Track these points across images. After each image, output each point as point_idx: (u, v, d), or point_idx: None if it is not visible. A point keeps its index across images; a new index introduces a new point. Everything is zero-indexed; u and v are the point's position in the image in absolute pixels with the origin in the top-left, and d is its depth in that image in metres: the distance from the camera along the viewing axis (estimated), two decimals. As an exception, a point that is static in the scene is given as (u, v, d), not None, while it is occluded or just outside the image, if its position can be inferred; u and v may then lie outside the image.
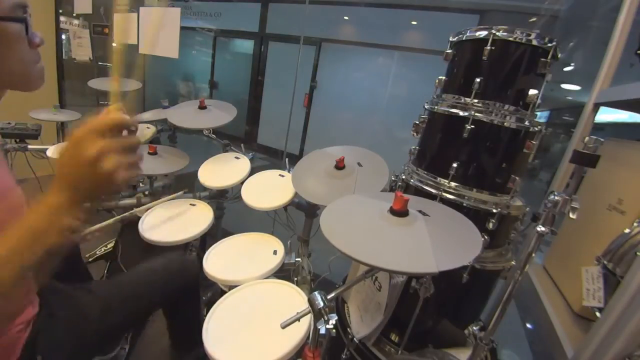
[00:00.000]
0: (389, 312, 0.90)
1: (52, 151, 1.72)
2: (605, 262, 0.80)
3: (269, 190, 1.30)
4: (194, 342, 1.07)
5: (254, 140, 5.02)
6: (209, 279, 1.00)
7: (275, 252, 1.09)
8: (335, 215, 0.74)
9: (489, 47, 0.80)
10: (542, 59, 0.80)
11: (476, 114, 0.82)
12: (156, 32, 1.68)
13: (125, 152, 0.46)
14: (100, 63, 2.77)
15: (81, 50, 2.83)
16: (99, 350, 0.83)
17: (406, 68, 3.90)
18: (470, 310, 0.98)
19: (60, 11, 2.79)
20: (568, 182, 0.64)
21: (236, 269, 1.02)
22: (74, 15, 2.73)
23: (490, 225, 0.84)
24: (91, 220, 0.60)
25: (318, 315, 0.60)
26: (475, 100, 0.85)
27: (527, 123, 0.83)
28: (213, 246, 1.12)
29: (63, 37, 2.86)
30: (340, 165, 1.11)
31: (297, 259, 1.15)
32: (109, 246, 1.69)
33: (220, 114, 1.53)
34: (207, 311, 0.84)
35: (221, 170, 1.43)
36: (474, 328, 0.83)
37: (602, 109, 1.12)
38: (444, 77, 0.96)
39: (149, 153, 1.44)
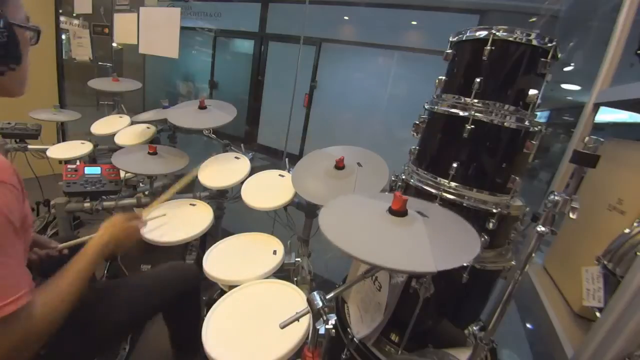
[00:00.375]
0: (389, 312, 0.90)
1: (52, 151, 1.72)
2: (605, 262, 0.80)
3: (269, 190, 1.30)
4: (193, 348, 1.08)
5: (254, 140, 5.02)
6: (209, 279, 1.00)
7: (275, 252, 1.09)
8: (334, 214, 0.74)
9: (489, 47, 0.80)
10: (542, 59, 0.80)
11: (476, 114, 0.82)
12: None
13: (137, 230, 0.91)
14: (100, 63, 2.77)
15: (81, 50, 2.84)
16: (100, 350, 0.83)
17: (406, 68, 3.90)
18: (470, 310, 0.98)
19: (60, 11, 2.79)
20: (568, 182, 0.64)
21: (236, 269, 1.02)
22: (74, 15, 2.73)
23: (490, 225, 0.84)
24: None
25: (317, 315, 0.59)
26: (475, 100, 0.85)
27: (527, 123, 0.83)
28: (213, 246, 1.12)
29: (63, 37, 2.86)
30: (340, 165, 1.11)
31: (297, 259, 1.15)
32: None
33: (220, 114, 1.53)
34: (207, 311, 0.84)
35: (221, 170, 1.43)
36: (474, 328, 0.83)
37: (602, 109, 1.12)
38: (444, 77, 0.96)
39: (149, 153, 1.44)
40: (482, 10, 3.28)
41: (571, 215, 0.60)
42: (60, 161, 1.67)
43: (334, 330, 0.58)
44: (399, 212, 0.68)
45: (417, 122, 1.00)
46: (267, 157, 4.42)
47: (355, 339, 0.97)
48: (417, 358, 0.88)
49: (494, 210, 0.83)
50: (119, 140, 1.74)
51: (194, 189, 1.56)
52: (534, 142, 0.84)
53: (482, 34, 0.83)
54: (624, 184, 0.92)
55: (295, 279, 1.15)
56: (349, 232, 0.67)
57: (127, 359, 1.02)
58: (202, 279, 1.06)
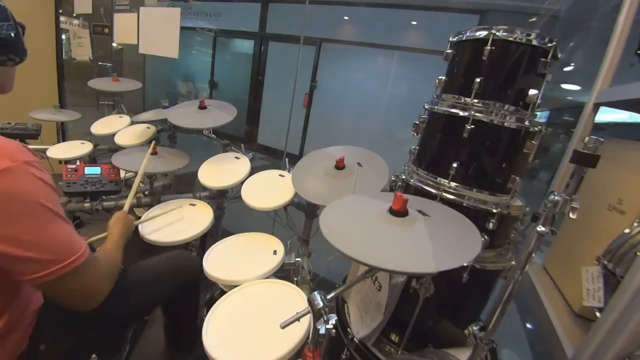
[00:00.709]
0: (389, 312, 0.90)
1: (52, 151, 1.72)
2: (605, 262, 0.80)
3: (269, 190, 1.30)
4: (193, 342, 1.08)
5: (254, 140, 5.03)
6: (209, 279, 1.00)
7: (275, 252, 1.09)
8: (335, 215, 0.74)
9: (489, 47, 0.80)
10: (542, 59, 0.80)
11: (476, 114, 0.82)
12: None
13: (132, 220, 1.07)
14: (100, 63, 2.77)
15: (81, 50, 2.84)
16: (100, 344, 0.83)
17: (406, 68, 3.90)
18: (470, 310, 0.98)
19: (60, 11, 2.78)
20: (568, 182, 0.64)
21: (236, 269, 1.02)
22: (74, 15, 2.73)
23: (490, 225, 0.84)
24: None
25: (318, 315, 0.59)
26: (475, 100, 0.85)
27: (527, 123, 0.83)
28: (213, 246, 1.12)
29: (63, 37, 2.86)
30: (340, 165, 1.11)
31: (297, 259, 1.15)
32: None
33: (220, 114, 1.53)
34: (207, 311, 0.84)
35: (221, 170, 1.43)
36: (474, 328, 0.83)
37: (602, 109, 1.12)
38: (444, 77, 0.96)
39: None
40: (482, 10, 3.28)
41: (571, 215, 0.60)
42: (60, 161, 1.67)
43: (334, 330, 0.58)
44: (399, 212, 0.68)
45: (417, 122, 1.00)
46: (267, 157, 4.42)
47: (355, 339, 0.97)
48: (417, 358, 0.88)
49: (494, 210, 0.83)
50: (119, 140, 1.74)
51: (194, 189, 1.56)
52: (534, 142, 0.84)
53: (482, 34, 0.83)
54: (624, 184, 0.92)
55: (296, 279, 1.15)
56: (350, 235, 0.67)
57: (127, 358, 1.02)
58: (202, 274, 1.06)
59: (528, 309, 1.18)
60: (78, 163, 1.54)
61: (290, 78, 3.12)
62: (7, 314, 0.64)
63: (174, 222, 1.24)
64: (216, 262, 1.05)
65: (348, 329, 1.02)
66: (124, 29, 2.33)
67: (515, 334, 1.30)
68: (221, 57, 5.39)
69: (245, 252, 1.11)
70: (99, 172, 1.43)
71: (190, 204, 1.35)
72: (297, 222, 1.33)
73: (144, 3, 2.27)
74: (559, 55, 0.81)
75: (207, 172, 1.42)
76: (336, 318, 0.60)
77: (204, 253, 1.08)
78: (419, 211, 0.71)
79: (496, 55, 0.82)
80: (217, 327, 0.79)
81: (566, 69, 2.73)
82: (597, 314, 0.81)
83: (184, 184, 1.79)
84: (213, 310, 0.84)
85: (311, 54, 4.34)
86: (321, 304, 0.60)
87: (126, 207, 1.10)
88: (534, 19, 2.81)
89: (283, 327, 0.62)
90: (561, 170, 1.21)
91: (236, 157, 1.51)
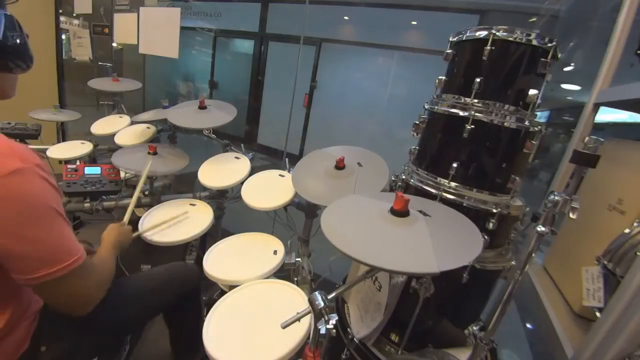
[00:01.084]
0: (389, 312, 0.90)
1: (52, 151, 1.72)
2: (605, 262, 0.80)
3: (269, 190, 1.30)
4: (194, 349, 1.08)
5: (254, 140, 5.03)
6: (209, 279, 1.00)
7: (275, 252, 1.09)
8: (335, 215, 0.74)
9: (489, 47, 0.80)
10: (542, 59, 0.80)
11: (476, 114, 0.82)
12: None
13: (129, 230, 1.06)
14: (100, 63, 2.77)
15: (81, 50, 2.83)
16: (99, 350, 0.83)
17: (406, 68, 3.90)
18: (470, 310, 0.98)
19: (60, 11, 2.78)
20: (568, 182, 0.64)
21: (236, 269, 1.02)
22: (74, 15, 2.73)
23: (490, 225, 0.84)
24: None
25: (318, 315, 0.59)
26: (475, 100, 0.85)
27: (527, 123, 0.83)
28: (213, 246, 1.12)
29: (63, 37, 2.86)
30: (340, 165, 1.11)
31: (297, 259, 1.15)
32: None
33: (220, 114, 1.53)
34: (207, 311, 0.84)
35: (221, 170, 1.43)
36: (474, 328, 0.83)
37: (602, 109, 1.12)
38: (444, 77, 0.96)
39: (149, 153, 1.44)
40: (482, 10, 3.29)
41: (571, 215, 0.60)
42: (60, 161, 1.67)
43: (334, 330, 0.58)
44: (401, 212, 0.67)
45: (417, 122, 1.00)
46: (267, 157, 4.42)
47: (355, 339, 0.97)
48: (417, 358, 0.88)
49: (494, 210, 0.83)
50: (119, 140, 1.73)
51: (194, 189, 1.56)
52: (534, 142, 0.84)
53: (482, 34, 0.83)
54: (624, 184, 0.92)
55: (296, 279, 1.15)
56: (351, 235, 0.67)
57: (127, 359, 1.02)
58: (202, 279, 1.06)
59: (528, 309, 1.18)
60: (78, 163, 1.54)
61: (290, 78, 3.12)
62: (9, 314, 0.64)
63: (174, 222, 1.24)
64: (216, 262, 1.05)
65: (348, 329, 1.02)
66: (124, 29, 2.33)
67: (515, 334, 1.30)
68: (221, 57, 5.39)
69: (246, 252, 1.11)
70: (99, 172, 1.43)
71: (190, 204, 1.35)
72: (297, 222, 1.33)
73: (144, 3, 2.27)
74: (559, 55, 0.81)
75: (207, 172, 1.42)
76: (337, 318, 0.60)
77: (204, 253, 1.08)
78: (420, 211, 0.71)
79: (496, 55, 0.82)
80: (217, 328, 0.79)
81: (566, 69, 2.73)
82: (597, 314, 0.81)
83: (184, 184, 1.79)
84: (213, 311, 0.84)
85: (311, 54, 4.34)
86: (322, 304, 0.60)
87: (125, 219, 1.10)
88: (534, 19, 2.81)
89: (284, 327, 0.62)
90: (561, 170, 1.21)
91: (236, 157, 1.51)
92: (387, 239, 0.64)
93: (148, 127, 1.82)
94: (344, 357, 0.97)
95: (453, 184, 0.88)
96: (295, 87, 2.88)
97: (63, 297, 0.65)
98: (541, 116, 0.92)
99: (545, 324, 0.95)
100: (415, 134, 1.02)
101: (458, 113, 0.85)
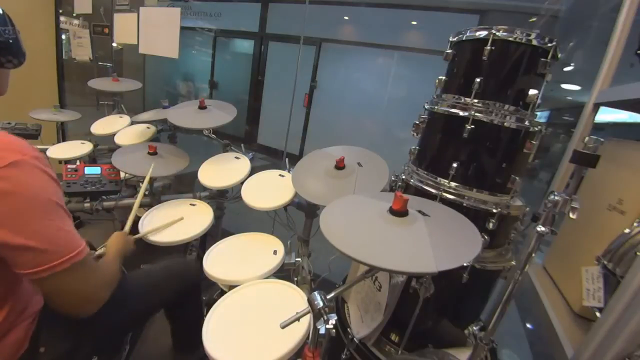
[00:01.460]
0: (389, 312, 0.90)
1: (52, 151, 1.72)
2: (605, 262, 0.80)
3: (269, 190, 1.30)
4: (195, 344, 1.08)
5: (254, 140, 5.03)
6: (209, 279, 1.00)
7: (275, 252, 1.09)
8: (335, 215, 0.74)
9: (489, 47, 0.80)
10: (542, 59, 0.80)
11: (476, 114, 0.82)
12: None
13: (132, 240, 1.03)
14: (100, 63, 2.77)
15: (81, 50, 2.83)
16: (100, 349, 0.83)
17: (406, 68, 3.90)
18: (470, 310, 0.98)
19: (60, 11, 2.78)
20: (568, 182, 0.64)
21: (236, 269, 1.02)
22: (74, 15, 2.73)
23: (490, 225, 0.84)
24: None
25: (318, 315, 0.59)
26: (475, 100, 0.85)
27: (527, 123, 0.83)
28: (213, 246, 1.12)
29: (63, 37, 2.86)
30: (340, 165, 1.11)
31: (297, 259, 1.15)
32: (109, 246, 1.69)
33: (220, 114, 1.53)
34: (207, 311, 0.84)
35: (221, 170, 1.43)
36: (474, 328, 0.83)
37: (602, 109, 1.12)
38: (444, 77, 0.96)
39: (149, 153, 1.44)
40: (482, 10, 3.29)
41: (571, 215, 0.60)
42: (60, 161, 1.67)
43: (334, 330, 0.58)
44: (400, 212, 0.67)
45: (417, 122, 1.00)
46: (267, 157, 4.42)
47: (355, 339, 0.97)
48: (417, 358, 0.88)
49: (494, 210, 0.83)
50: (119, 140, 1.73)
51: (194, 189, 1.56)
52: (534, 142, 0.84)
53: (482, 34, 0.83)
54: (624, 184, 0.92)
55: (296, 279, 1.15)
56: (350, 234, 0.67)
57: (127, 359, 1.02)
58: (202, 276, 1.06)
59: (528, 309, 1.18)
60: (78, 163, 1.54)
61: (290, 78, 3.12)
62: (5, 312, 0.64)
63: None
64: (216, 262, 1.05)
65: (348, 329, 1.02)
66: (124, 29, 2.33)
67: (515, 334, 1.30)
68: (221, 57, 5.39)
69: (245, 252, 1.11)
70: (99, 172, 1.43)
71: (190, 204, 1.35)
72: (297, 222, 1.33)
73: (144, 3, 2.27)
74: (559, 55, 0.81)
75: (207, 172, 1.42)
76: (336, 318, 0.60)
77: (204, 253, 1.08)
78: (419, 211, 0.71)
79: (496, 55, 0.82)
80: (217, 327, 0.79)
81: (566, 69, 2.73)
82: (597, 314, 0.81)
83: (184, 184, 1.79)
84: (213, 311, 0.84)
85: (311, 54, 4.34)
86: (321, 303, 0.60)
87: (127, 228, 1.09)
88: (534, 19, 2.81)
89: (283, 327, 0.62)
90: (561, 170, 1.21)
91: (236, 157, 1.51)
92: (386, 239, 0.64)
93: (148, 127, 1.82)
94: (344, 357, 0.97)
95: (453, 184, 0.88)
96: (295, 87, 2.88)
97: (67, 294, 0.64)
98: (541, 116, 0.92)
99: (545, 324, 0.95)
100: (415, 134, 1.02)
101: (458, 113, 0.85)
